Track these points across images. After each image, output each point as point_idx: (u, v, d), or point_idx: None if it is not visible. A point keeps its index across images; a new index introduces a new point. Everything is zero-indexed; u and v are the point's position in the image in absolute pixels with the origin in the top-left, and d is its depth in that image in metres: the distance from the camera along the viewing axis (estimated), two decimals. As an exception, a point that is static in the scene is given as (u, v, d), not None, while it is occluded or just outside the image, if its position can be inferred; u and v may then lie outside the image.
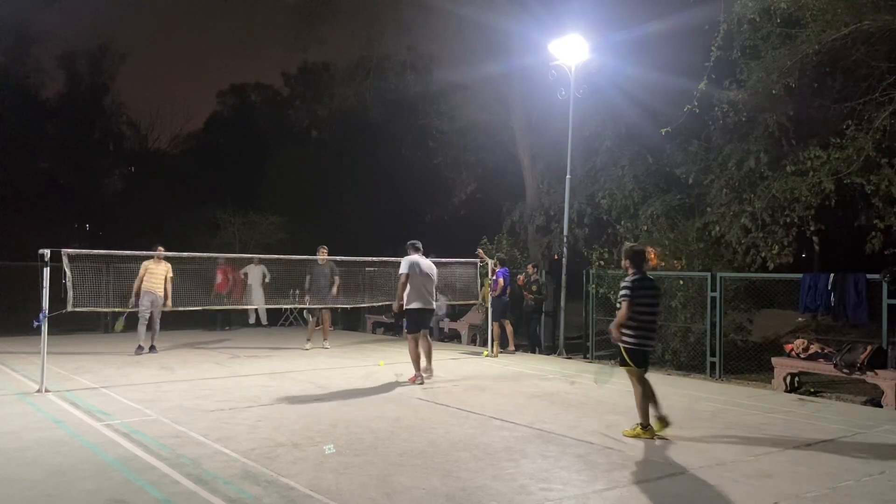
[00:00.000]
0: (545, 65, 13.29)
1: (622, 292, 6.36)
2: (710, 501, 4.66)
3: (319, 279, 12.56)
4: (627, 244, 6.99)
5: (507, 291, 12.70)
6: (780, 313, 12.66)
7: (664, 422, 6.38)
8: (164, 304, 11.62)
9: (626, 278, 6.46)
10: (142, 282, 11.40)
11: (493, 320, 12.56)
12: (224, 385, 8.84)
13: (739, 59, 11.01)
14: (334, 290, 12.67)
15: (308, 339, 12.94)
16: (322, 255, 12.57)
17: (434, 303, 9.46)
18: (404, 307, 9.16)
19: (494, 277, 12.62)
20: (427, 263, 9.29)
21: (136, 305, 11.45)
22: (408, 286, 9.05)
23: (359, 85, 18.86)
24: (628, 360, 6.33)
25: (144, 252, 11.40)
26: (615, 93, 14.20)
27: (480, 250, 13.82)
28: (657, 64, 13.47)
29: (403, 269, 9.07)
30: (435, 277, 9.38)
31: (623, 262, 6.65)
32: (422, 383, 9.01)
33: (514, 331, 13.08)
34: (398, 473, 5.10)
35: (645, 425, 6.31)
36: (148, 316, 11.57)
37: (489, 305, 12.78)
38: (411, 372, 9.20)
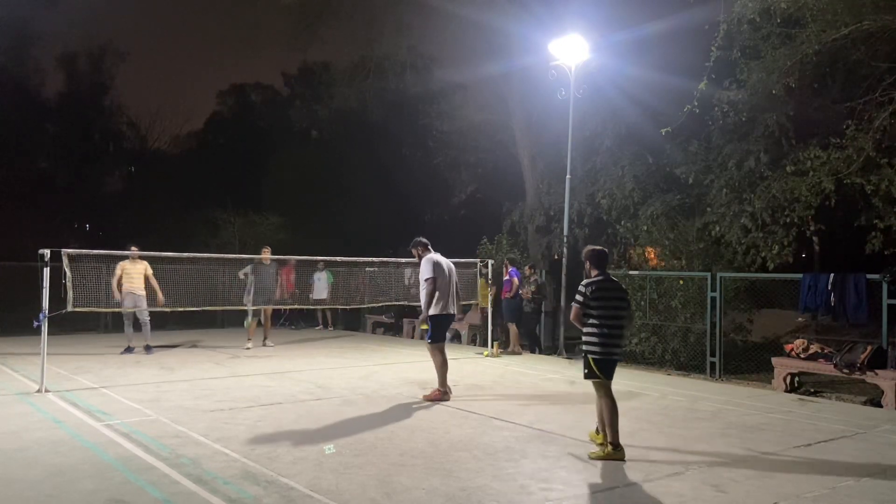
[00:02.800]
0: (545, 65, 13.30)
1: (575, 296, 5.74)
2: (710, 501, 4.66)
3: (265, 279, 12.65)
4: (588, 246, 6.12)
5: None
6: (780, 313, 12.67)
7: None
8: (157, 301, 11.61)
9: (584, 281, 5.80)
10: (119, 282, 11.40)
11: (506, 321, 12.65)
12: (224, 385, 8.84)
13: (739, 59, 11.02)
14: (278, 291, 12.91)
15: (248, 339, 12.89)
16: (266, 255, 12.63)
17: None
18: (430, 313, 7.91)
19: (507, 277, 12.63)
20: (447, 262, 8.17)
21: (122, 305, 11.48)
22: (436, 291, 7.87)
23: (359, 85, 18.88)
24: (596, 371, 5.63)
25: (146, 252, 11.40)
26: (615, 93, 14.21)
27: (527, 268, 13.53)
28: (657, 64, 13.48)
29: (428, 273, 7.83)
30: (456, 276, 8.27)
31: (585, 266, 5.91)
32: (447, 399, 7.94)
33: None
34: (398, 473, 5.10)
35: (616, 445, 5.52)
36: (132, 317, 11.59)
37: (489, 305, 12.77)
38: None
